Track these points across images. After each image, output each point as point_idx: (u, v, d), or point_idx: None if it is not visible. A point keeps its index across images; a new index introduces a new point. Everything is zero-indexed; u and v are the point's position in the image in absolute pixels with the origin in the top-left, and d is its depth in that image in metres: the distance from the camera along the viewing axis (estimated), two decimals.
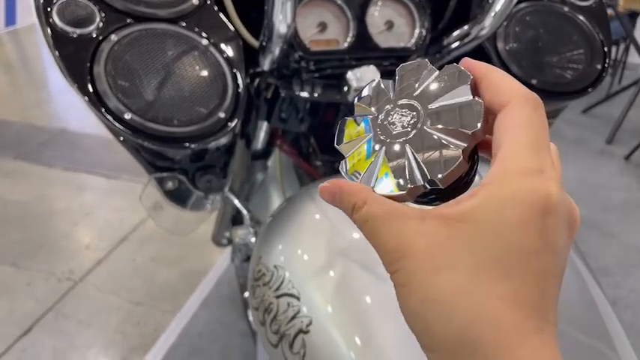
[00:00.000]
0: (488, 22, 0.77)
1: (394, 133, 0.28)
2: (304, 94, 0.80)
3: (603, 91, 3.40)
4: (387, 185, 0.27)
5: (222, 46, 0.71)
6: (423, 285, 0.23)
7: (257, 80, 0.84)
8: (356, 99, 0.31)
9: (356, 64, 0.80)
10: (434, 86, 0.28)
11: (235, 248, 1.19)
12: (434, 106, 0.27)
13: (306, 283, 0.63)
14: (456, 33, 0.83)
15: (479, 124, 0.25)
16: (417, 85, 0.28)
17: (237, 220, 1.29)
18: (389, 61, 0.83)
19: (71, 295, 1.81)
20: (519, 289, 0.22)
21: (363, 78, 0.78)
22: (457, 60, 0.28)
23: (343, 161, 0.30)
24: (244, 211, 0.96)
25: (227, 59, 0.71)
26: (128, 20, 0.67)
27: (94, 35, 0.65)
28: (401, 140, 0.27)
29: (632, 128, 3.12)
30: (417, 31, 0.83)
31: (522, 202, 0.23)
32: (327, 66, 0.80)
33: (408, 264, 0.24)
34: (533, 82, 0.83)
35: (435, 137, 0.26)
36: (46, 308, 1.76)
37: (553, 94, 0.84)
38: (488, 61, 0.85)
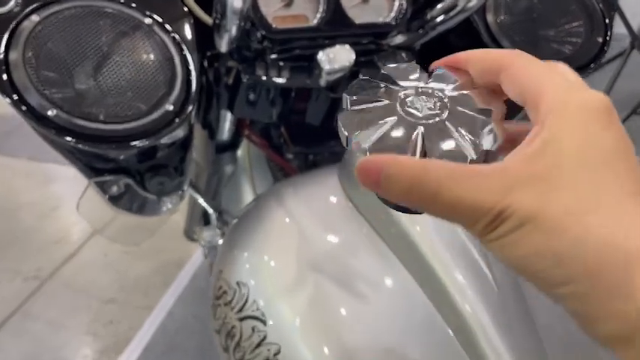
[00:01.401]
0: None
1: (422, 115, 0.27)
2: (269, 79, 0.70)
3: None
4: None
5: (170, 25, 0.61)
6: (545, 221, 0.22)
7: (216, 64, 0.74)
8: (349, 94, 0.30)
9: (328, 42, 0.70)
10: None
11: (204, 250, 1.10)
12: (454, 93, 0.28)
13: (274, 304, 0.54)
14: (440, 5, 0.73)
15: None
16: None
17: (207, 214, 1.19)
18: (365, 39, 0.73)
19: (39, 295, 1.71)
20: (636, 185, 0.22)
21: (337, 59, 0.68)
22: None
23: (359, 147, 0.27)
24: (210, 211, 0.86)
25: (175, 40, 0.61)
26: None
27: (11, 14, 0.54)
28: (436, 120, 0.27)
29: (622, 99, 3.05)
30: (396, 3, 0.73)
31: (592, 109, 0.23)
32: (294, 46, 0.70)
33: (516, 209, 0.22)
34: None
35: (470, 114, 0.27)
36: (12, 310, 1.66)
37: None
38: (477, 36, 0.75)
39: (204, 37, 0.67)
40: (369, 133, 0.27)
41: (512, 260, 0.23)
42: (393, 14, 0.72)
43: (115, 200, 0.66)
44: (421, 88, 0.28)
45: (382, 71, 0.30)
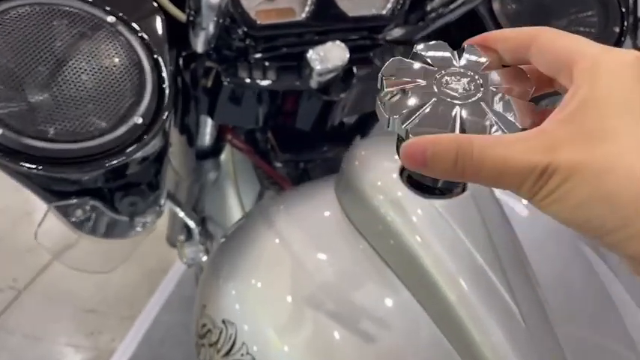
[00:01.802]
0: None
1: (459, 95, 0.28)
2: (253, 82, 0.62)
3: None
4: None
5: (137, 23, 0.53)
6: (591, 169, 0.23)
7: (193, 65, 0.66)
8: (385, 74, 0.29)
9: (318, 39, 0.62)
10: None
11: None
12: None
13: (267, 348, 0.47)
14: None
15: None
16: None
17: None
18: (359, 34, 0.65)
19: (15, 307, 1.62)
20: None
21: (329, 57, 0.61)
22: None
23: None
24: (191, 225, 0.79)
25: (144, 41, 0.53)
26: None
27: None
28: (472, 100, 0.28)
29: None
30: None
31: (625, 65, 0.24)
32: (281, 44, 0.62)
33: (560, 164, 0.23)
34: None
35: (503, 93, 0.28)
36: None
37: None
38: (482, 29, 0.68)
39: (179, 35, 0.59)
40: (409, 114, 0.27)
41: (564, 215, 0.24)
42: (389, 6, 0.65)
43: (80, 224, 0.58)
44: (455, 68, 0.29)
45: (414, 50, 0.30)
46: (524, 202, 0.72)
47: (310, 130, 0.70)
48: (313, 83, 0.63)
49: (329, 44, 0.60)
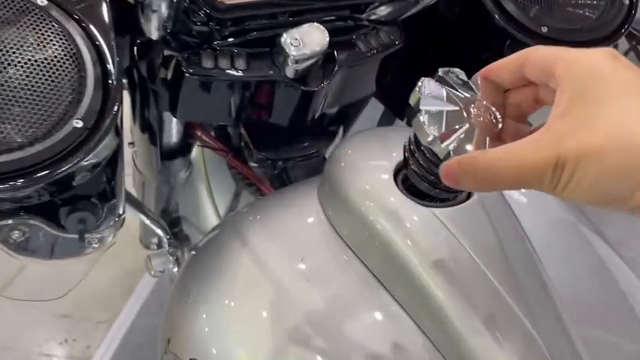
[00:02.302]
0: None
1: (482, 122, 0.33)
2: (220, 72, 0.54)
3: None
4: None
5: (75, 6, 0.44)
6: (595, 150, 0.25)
7: (150, 54, 0.57)
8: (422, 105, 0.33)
9: (293, 21, 0.54)
10: None
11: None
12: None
13: None
14: None
15: None
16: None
17: (174, 221, 1.02)
18: (339, 14, 0.57)
19: None
20: None
21: (306, 42, 0.52)
22: None
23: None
24: (159, 232, 0.70)
25: (84, 28, 0.44)
26: None
27: None
28: (491, 127, 0.33)
29: None
30: None
31: (599, 59, 0.28)
32: (250, 27, 0.54)
33: (568, 154, 0.26)
34: (543, 29, 0.60)
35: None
36: None
37: (569, 43, 0.60)
38: (480, 6, 0.60)
39: (132, 19, 0.50)
40: (449, 137, 0.31)
41: (585, 197, 0.26)
42: None
43: (17, 247, 0.50)
44: (477, 99, 0.33)
45: (439, 73, 0.34)
46: (524, 193, 0.65)
47: (288, 124, 0.62)
48: (289, 72, 0.54)
49: (306, 26, 0.52)
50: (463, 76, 0.34)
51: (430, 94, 0.33)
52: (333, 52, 0.57)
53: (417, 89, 0.33)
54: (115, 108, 0.43)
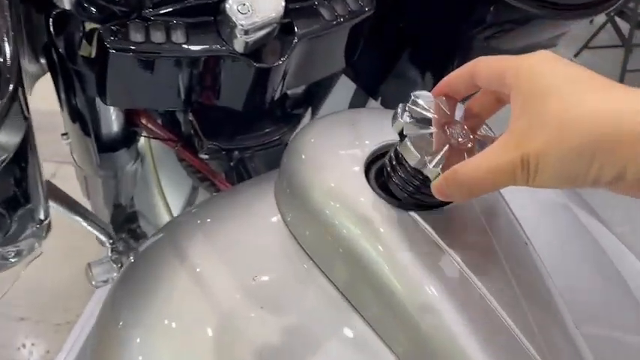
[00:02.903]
0: None
1: (459, 141, 0.35)
2: (153, 47, 0.44)
3: None
4: None
5: None
6: (554, 140, 0.28)
7: (68, 28, 0.47)
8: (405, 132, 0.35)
9: None
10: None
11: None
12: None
13: None
14: None
15: None
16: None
17: (129, 217, 0.93)
18: None
19: None
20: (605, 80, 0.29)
21: (257, 8, 0.43)
22: None
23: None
24: (101, 237, 0.61)
25: None
26: None
27: None
28: (466, 146, 0.35)
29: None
30: None
31: (539, 61, 0.31)
32: None
33: (530, 150, 0.29)
34: None
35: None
36: None
37: (564, 8, 0.52)
38: None
39: None
40: (434, 158, 0.34)
41: (556, 183, 0.29)
42: None
43: None
44: (450, 119, 0.36)
45: (413, 97, 0.37)
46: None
47: (242, 108, 0.53)
48: (238, 45, 0.45)
49: None
50: (432, 98, 0.37)
51: (410, 120, 0.35)
52: (291, 22, 0.48)
53: (397, 116, 0.35)
54: (10, 88, 0.34)
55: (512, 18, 0.56)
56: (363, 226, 0.36)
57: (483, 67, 0.34)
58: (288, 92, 0.63)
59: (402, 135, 0.35)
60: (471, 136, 0.36)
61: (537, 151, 0.28)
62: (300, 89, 0.65)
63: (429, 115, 0.35)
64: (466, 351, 0.33)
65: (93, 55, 0.47)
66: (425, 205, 0.37)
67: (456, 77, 0.36)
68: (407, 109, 0.35)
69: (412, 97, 0.36)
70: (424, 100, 0.36)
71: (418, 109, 0.36)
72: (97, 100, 0.57)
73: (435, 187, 0.34)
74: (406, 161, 0.35)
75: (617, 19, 2.63)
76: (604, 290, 0.55)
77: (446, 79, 0.37)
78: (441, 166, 0.33)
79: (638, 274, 0.56)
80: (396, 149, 0.37)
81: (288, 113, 0.64)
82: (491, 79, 0.34)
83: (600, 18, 2.79)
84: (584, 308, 0.49)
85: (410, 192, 0.36)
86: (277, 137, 0.60)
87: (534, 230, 0.44)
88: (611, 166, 0.26)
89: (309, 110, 0.69)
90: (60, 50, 0.48)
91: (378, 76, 0.67)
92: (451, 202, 0.38)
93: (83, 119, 0.58)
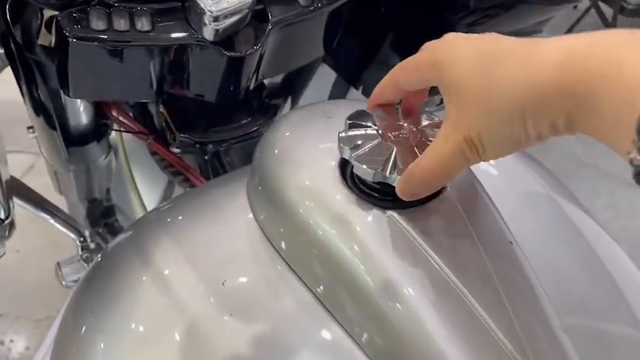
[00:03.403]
0: None
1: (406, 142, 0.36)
2: (115, 35, 0.41)
3: None
4: None
5: None
6: (488, 109, 0.29)
7: (25, 16, 0.44)
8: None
9: None
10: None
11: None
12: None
13: None
14: None
15: None
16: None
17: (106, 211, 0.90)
18: None
19: None
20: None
21: None
22: None
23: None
24: (71, 235, 0.58)
25: None
26: None
27: None
28: (410, 143, 0.36)
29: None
30: None
31: (447, 47, 0.32)
32: None
33: (469, 130, 0.30)
34: None
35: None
36: None
37: None
38: None
39: None
40: (387, 166, 0.34)
41: (504, 150, 0.30)
42: None
43: None
44: (392, 123, 0.37)
45: (348, 121, 0.37)
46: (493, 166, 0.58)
47: (216, 99, 0.50)
48: (207, 33, 0.43)
49: None
50: (366, 112, 0.38)
51: (352, 142, 0.35)
52: (264, 8, 0.45)
53: (340, 145, 0.35)
54: None
55: (497, 3, 0.55)
56: (339, 226, 0.34)
57: (401, 73, 0.35)
58: (265, 82, 0.60)
59: (350, 160, 0.35)
60: (415, 130, 0.36)
61: (476, 130, 0.29)
62: (277, 79, 0.62)
63: (369, 130, 0.36)
64: (444, 352, 0.32)
65: (53, 44, 0.44)
66: (404, 203, 0.35)
67: (382, 90, 0.37)
68: (347, 132, 0.36)
69: (347, 122, 0.37)
70: (359, 118, 0.37)
71: (357, 131, 0.36)
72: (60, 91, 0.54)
73: (398, 191, 0.34)
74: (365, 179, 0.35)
75: (601, 4, 2.63)
76: (588, 281, 0.54)
77: (374, 95, 0.38)
78: (396, 171, 0.34)
79: (621, 264, 0.55)
80: (351, 171, 0.37)
81: (266, 104, 0.61)
82: (412, 80, 0.35)
83: (584, 3, 2.79)
84: (568, 299, 0.48)
85: (382, 195, 0.35)
86: (254, 129, 0.58)
87: (518, 222, 0.43)
88: (543, 123, 0.27)
89: (289, 101, 0.66)
90: (18, 40, 0.45)
91: (359, 64, 0.65)
92: (441, 194, 0.36)
93: (47, 112, 0.55)
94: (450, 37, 0.32)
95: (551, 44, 0.27)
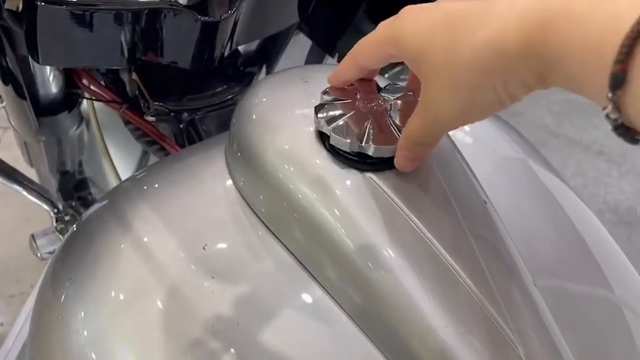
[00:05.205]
0: None
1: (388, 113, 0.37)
2: (85, 0, 0.40)
3: None
4: None
5: None
6: (454, 74, 0.29)
7: None
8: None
9: None
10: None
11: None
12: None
13: None
14: None
15: None
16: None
17: (79, 184, 0.88)
18: None
19: None
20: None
21: None
22: None
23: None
24: (44, 206, 0.57)
25: None
26: None
27: None
28: (389, 112, 0.37)
29: None
30: None
31: (402, 23, 0.32)
32: None
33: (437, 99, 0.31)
34: None
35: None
36: None
37: None
38: None
39: None
40: (364, 136, 0.35)
41: (493, 110, 0.30)
42: None
43: None
44: (367, 94, 0.38)
45: (320, 101, 0.37)
46: (468, 133, 0.59)
47: (190, 66, 0.50)
48: None
49: None
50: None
51: (329, 116, 0.35)
52: None
53: (317, 121, 0.36)
54: None
55: None
56: (319, 190, 0.35)
57: (361, 52, 0.35)
58: (240, 49, 0.60)
59: (329, 133, 0.35)
60: (381, 100, 0.37)
61: (448, 100, 0.29)
62: (252, 45, 0.62)
63: (341, 101, 0.36)
64: (422, 309, 0.33)
65: (20, 8, 0.42)
66: (382, 164, 0.36)
67: (342, 72, 0.37)
68: (323, 109, 0.36)
69: (322, 95, 0.37)
70: (334, 89, 0.37)
71: (333, 102, 0.36)
72: (31, 59, 0.52)
73: (399, 164, 0.34)
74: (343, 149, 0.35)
75: None
76: (560, 242, 0.55)
77: (332, 77, 0.37)
78: (375, 142, 0.34)
79: (592, 227, 0.57)
80: (329, 142, 0.37)
81: (241, 71, 0.60)
82: (373, 58, 0.35)
83: None
84: (540, 259, 0.49)
85: (360, 158, 0.35)
86: (229, 97, 0.57)
87: (492, 184, 0.44)
88: (514, 85, 0.27)
89: (264, 68, 0.66)
90: None
91: (334, 31, 0.64)
92: None
93: (16, 80, 0.53)
94: (405, 10, 0.32)
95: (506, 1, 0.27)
